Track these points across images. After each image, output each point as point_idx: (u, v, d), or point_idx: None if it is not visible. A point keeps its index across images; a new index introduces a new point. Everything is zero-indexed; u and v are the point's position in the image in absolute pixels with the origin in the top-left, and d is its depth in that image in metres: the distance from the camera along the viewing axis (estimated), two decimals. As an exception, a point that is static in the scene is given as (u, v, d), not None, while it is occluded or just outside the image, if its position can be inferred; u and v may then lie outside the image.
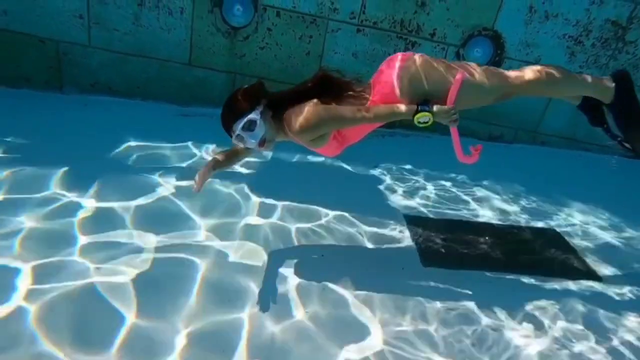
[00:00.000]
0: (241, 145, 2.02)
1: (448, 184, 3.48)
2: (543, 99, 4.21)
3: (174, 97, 4.03)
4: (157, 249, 2.27)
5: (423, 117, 1.91)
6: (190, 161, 3.24)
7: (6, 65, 3.83)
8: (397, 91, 1.97)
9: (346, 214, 2.80)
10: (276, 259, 2.33)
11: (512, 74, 2.08)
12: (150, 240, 2.32)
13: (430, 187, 3.40)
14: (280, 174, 3.26)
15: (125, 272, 2.08)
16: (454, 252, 2.57)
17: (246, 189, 2.92)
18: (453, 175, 3.59)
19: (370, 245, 2.56)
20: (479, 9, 3.83)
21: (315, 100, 1.95)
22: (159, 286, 2.04)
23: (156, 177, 2.94)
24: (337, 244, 2.54)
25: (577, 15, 3.89)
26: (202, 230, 2.46)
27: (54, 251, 2.14)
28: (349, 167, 3.48)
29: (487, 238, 2.75)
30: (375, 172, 3.48)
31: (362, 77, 2.13)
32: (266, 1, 3.73)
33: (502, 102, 2.15)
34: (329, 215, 2.77)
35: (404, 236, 2.68)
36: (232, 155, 2.23)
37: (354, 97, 2.03)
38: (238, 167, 3.15)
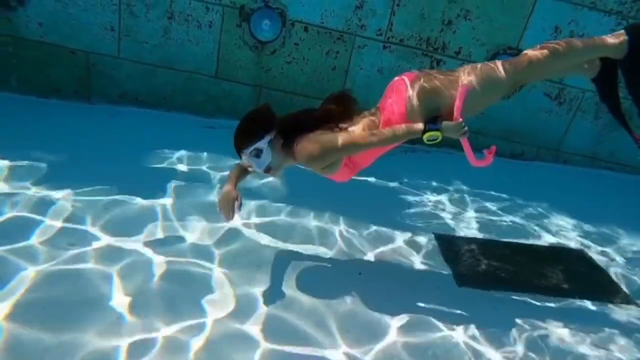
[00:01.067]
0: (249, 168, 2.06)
1: (471, 200, 3.49)
2: (565, 119, 4.22)
3: (200, 109, 4.07)
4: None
5: (432, 136, 1.93)
6: (215, 172, 3.26)
7: (36, 75, 3.89)
8: (406, 113, 1.99)
9: (375, 231, 2.81)
10: (311, 274, 2.35)
11: (513, 63, 2.07)
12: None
13: (454, 203, 3.40)
14: (304, 188, 3.26)
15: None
16: (486, 272, 2.57)
17: (267, 205, 2.94)
18: (476, 191, 3.60)
19: (403, 264, 2.57)
20: (505, 28, 3.86)
21: (324, 129, 1.98)
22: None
23: (185, 187, 2.98)
24: (370, 260, 2.55)
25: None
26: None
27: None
28: (374, 183, 3.49)
29: (516, 257, 2.75)
30: (400, 188, 3.49)
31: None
32: (294, 16, 3.78)
33: (516, 92, 2.12)
34: (358, 231, 2.78)
35: (434, 254, 2.68)
36: (244, 171, 2.21)
37: (362, 122, 2.05)
38: (260, 184, 3.19)
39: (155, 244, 2.39)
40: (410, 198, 3.39)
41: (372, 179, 3.52)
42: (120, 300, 1.98)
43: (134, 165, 3.20)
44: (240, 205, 2.03)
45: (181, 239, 2.47)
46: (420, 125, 1.95)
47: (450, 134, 1.95)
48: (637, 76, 2.18)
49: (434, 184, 3.65)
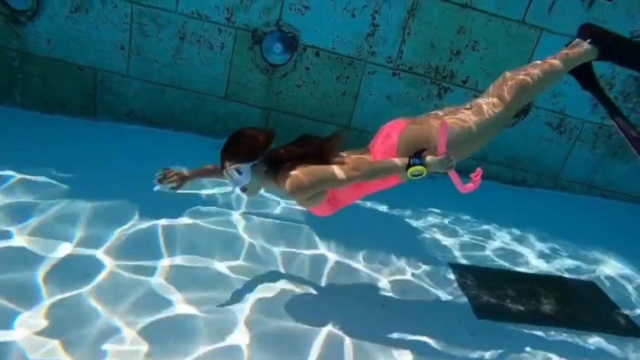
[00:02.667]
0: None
1: (477, 227, 3.55)
2: (565, 148, 4.35)
3: (207, 129, 4.05)
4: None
5: (416, 171, 1.91)
6: (220, 194, 3.24)
7: (42, 90, 3.83)
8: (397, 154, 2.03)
9: (391, 261, 2.83)
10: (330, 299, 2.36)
11: (498, 98, 2.12)
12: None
13: (461, 230, 3.45)
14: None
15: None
16: (504, 304, 2.62)
17: (283, 235, 2.93)
18: (482, 218, 3.66)
19: (422, 295, 2.59)
20: (510, 59, 3.97)
21: (309, 162, 1.99)
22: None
23: (191, 208, 2.97)
24: (389, 292, 2.57)
25: (602, 70, 4.04)
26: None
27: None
28: (385, 211, 3.51)
29: (530, 288, 2.81)
30: (411, 216, 3.52)
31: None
32: (306, 41, 3.82)
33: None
34: (373, 262, 2.80)
35: (451, 284, 2.71)
36: (215, 173, 2.29)
37: (351, 159, 2.07)
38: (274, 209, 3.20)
39: (164, 267, 2.37)
40: (419, 225, 3.42)
41: (383, 206, 3.54)
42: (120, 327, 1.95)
43: (139, 185, 3.13)
44: (176, 188, 2.24)
45: (190, 267, 2.44)
46: (404, 159, 1.95)
47: (436, 168, 1.93)
48: (624, 55, 2.28)
49: (439, 210, 3.68)
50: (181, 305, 2.14)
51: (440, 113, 2.22)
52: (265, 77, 3.93)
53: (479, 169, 2.02)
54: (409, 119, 2.18)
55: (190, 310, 2.12)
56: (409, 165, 1.91)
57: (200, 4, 3.66)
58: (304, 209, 2.19)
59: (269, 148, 2.05)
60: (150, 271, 2.33)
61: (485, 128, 2.11)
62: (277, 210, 3.19)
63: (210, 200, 3.17)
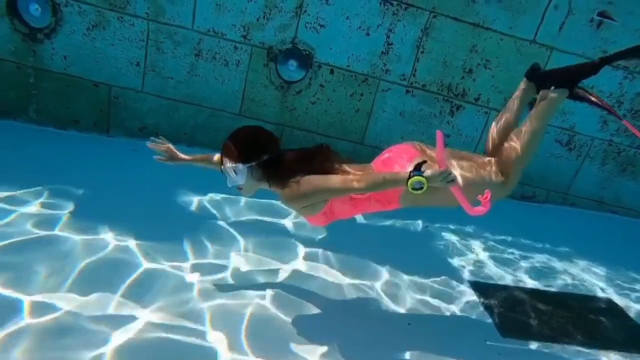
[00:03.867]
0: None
1: (491, 244, 3.55)
2: (575, 164, 4.40)
3: (220, 145, 4.05)
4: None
5: (417, 182, 1.82)
6: (233, 211, 3.25)
7: (56, 106, 3.83)
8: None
9: (411, 279, 2.83)
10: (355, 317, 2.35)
11: (503, 170, 2.11)
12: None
13: (478, 249, 3.45)
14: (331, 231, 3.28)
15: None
16: (526, 322, 2.62)
17: (300, 248, 2.94)
18: (494, 234, 3.67)
19: (446, 314, 2.58)
20: (521, 77, 4.01)
21: (308, 171, 1.96)
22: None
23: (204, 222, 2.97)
24: (412, 309, 2.57)
25: (611, 88, 4.13)
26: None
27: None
28: (399, 227, 3.52)
29: (552, 307, 2.81)
30: (424, 231, 3.54)
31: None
32: (321, 59, 3.86)
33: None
34: (395, 279, 2.80)
35: (474, 304, 2.71)
36: (210, 164, 2.35)
37: (351, 172, 2.04)
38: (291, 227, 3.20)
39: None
40: (436, 242, 3.43)
41: (396, 222, 3.55)
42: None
43: (154, 201, 3.15)
44: (166, 160, 2.36)
45: (219, 269, 2.44)
46: (404, 172, 1.89)
47: (436, 181, 1.84)
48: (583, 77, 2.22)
49: (452, 226, 3.69)
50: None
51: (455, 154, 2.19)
52: (280, 93, 3.96)
53: (487, 191, 1.96)
54: (418, 148, 2.16)
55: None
56: (409, 177, 1.84)
57: (216, 21, 3.69)
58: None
59: (269, 151, 2.00)
60: (177, 276, 2.32)
61: (479, 188, 2.02)
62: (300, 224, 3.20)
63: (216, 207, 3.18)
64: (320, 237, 3.11)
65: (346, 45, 3.82)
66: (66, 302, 2.10)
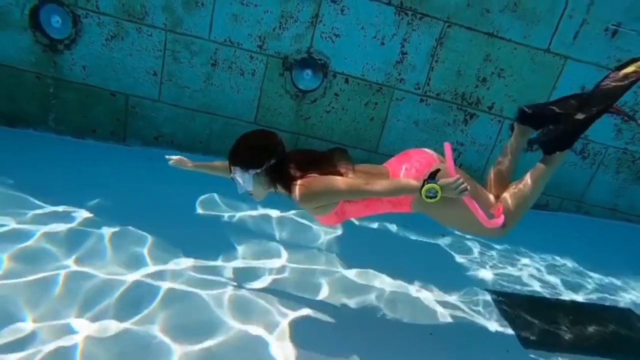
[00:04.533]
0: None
1: (506, 252, 3.55)
2: (589, 172, 4.40)
3: (236, 153, 4.09)
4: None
5: (431, 190, 1.84)
6: (250, 217, 3.28)
7: (75, 115, 3.88)
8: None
9: (430, 287, 2.84)
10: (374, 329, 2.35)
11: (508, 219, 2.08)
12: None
13: (494, 258, 3.46)
14: (348, 239, 3.31)
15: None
16: (549, 334, 2.62)
17: (328, 257, 2.96)
18: (508, 243, 3.67)
19: (466, 324, 2.59)
20: (535, 86, 4.05)
21: (319, 172, 1.97)
22: None
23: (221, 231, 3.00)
24: (433, 319, 2.57)
25: (625, 97, 4.12)
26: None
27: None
28: (416, 236, 3.53)
29: (572, 317, 2.81)
30: (443, 241, 3.54)
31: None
32: (336, 68, 3.89)
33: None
34: (410, 287, 2.81)
35: (494, 314, 2.72)
36: (221, 171, 2.34)
37: (365, 174, 2.05)
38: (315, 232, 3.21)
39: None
40: (452, 252, 3.43)
41: (412, 230, 3.56)
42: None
43: (169, 208, 3.18)
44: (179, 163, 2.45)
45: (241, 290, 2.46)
46: (417, 181, 1.93)
47: (449, 191, 1.87)
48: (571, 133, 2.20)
49: (468, 235, 3.69)
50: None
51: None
52: (295, 102, 3.99)
53: (499, 204, 1.99)
54: (439, 156, 2.17)
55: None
56: (423, 185, 1.86)
57: (233, 32, 3.74)
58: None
59: (275, 156, 1.99)
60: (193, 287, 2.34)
61: (476, 224, 2.03)
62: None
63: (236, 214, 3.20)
64: (337, 245, 3.13)
65: (361, 54, 3.85)
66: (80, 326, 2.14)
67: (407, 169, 2.08)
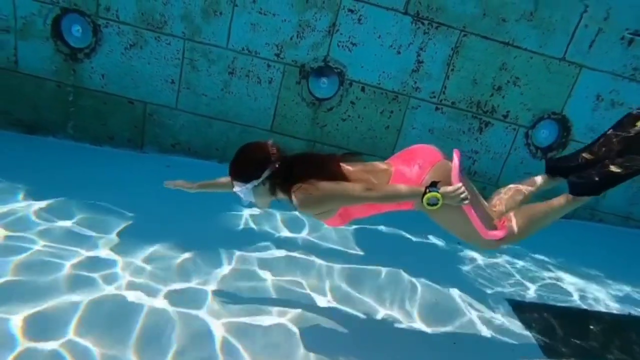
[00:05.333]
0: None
1: (523, 260, 3.57)
2: (603, 179, 4.40)
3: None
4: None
5: (432, 199, 1.87)
6: (265, 225, 3.30)
7: (93, 123, 3.92)
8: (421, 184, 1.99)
9: (448, 298, 2.86)
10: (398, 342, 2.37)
11: (499, 234, 2.08)
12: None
13: (511, 266, 3.47)
14: (364, 244, 3.32)
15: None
16: (572, 344, 2.63)
17: (339, 261, 2.98)
18: (525, 250, 3.67)
19: (489, 334, 2.60)
20: (550, 95, 4.06)
21: (320, 178, 1.94)
22: None
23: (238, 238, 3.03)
24: (456, 328, 2.58)
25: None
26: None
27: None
28: (432, 245, 3.54)
29: (593, 326, 2.82)
30: (460, 249, 3.55)
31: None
32: (353, 76, 3.92)
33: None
34: (428, 296, 2.82)
35: (516, 324, 2.73)
36: (223, 187, 2.37)
37: (365, 177, 2.04)
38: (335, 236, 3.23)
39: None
40: (468, 261, 3.44)
41: (428, 240, 3.58)
42: None
43: (187, 215, 3.20)
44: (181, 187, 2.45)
45: (255, 298, 2.48)
46: (419, 188, 1.93)
47: (450, 199, 1.91)
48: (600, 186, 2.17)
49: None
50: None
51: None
52: (311, 110, 4.02)
53: (504, 218, 2.01)
54: (443, 153, 2.16)
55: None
56: (424, 193, 1.89)
57: (250, 40, 3.77)
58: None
59: (271, 165, 2.00)
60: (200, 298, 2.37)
61: (474, 233, 2.06)
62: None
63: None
64: (352, 252, 3.15)
65: (377, 63, 3.88)
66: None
67: (410, 168, 2.06)
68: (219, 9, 3.66)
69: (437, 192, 1.88)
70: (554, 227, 4.24)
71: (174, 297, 2.38)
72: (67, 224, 2.82)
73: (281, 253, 2.98)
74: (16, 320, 2.04)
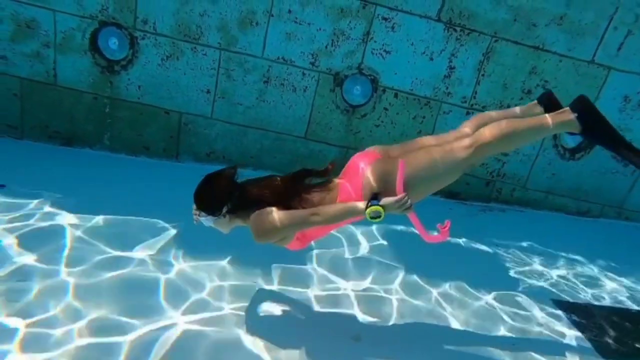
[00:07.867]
0: None
1: (557, 261, 3.62)
2: (630, 179, 4.47)
3: (286, 167, 4.11)
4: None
5: (374, 212, 1.93)
6: None
7: (129, 134, 3.95)
8: (363, 197, 2.03)
9: (489, 300, 2.92)
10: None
11: (467, 141, 2.10)
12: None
13: (544, 265, 3.53)
14: (392, 249, 3.36)
15: None
16: (628, 345, 2.68)
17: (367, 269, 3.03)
18: (566, 253, 3.73)
19: (539, 336, 2.66)
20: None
21: (273, 208, 2.00)
22: None
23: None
24: (512, 331, 2.64)
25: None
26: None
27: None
28: (465, 247, 3.59)
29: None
30: (493, 250, 3.61)
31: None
32: (386, 83, 3.97)
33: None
34: (469, 300, 2.88)
35: (566, 325, 2.79)
36: None
37: (315, 198, 2.07)
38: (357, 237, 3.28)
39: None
40: (503, 262, 3.50)
41: (461, 242, 3.63)
42: None
43: None
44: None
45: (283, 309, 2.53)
46: (361, 204, 1.97)
47: (393, 209, 1.95)
48: (602, 138, 2.27)
49: (522, 243, 3.77)
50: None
51: (417, 144, 2.22)
52: (345, 117, 4.07)
53: (447, 221, 2.04)
54: (379, 151, 2.20)
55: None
56: (366, 207, 1.94)
57: (285, 50, 3.81)
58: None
59: (227, 202, 2.08)
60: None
61: (450, 169, 2.10)
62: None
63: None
64: (385, 255, 3.20)
65: (410, 69, 3.93)
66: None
67: (350, 183, 2.10)
68: (255, 19, 3.69)
69: (378, 205, 1.93)
70: (582, 226, 4.41)
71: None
72: (102, 230, 2.89)
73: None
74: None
